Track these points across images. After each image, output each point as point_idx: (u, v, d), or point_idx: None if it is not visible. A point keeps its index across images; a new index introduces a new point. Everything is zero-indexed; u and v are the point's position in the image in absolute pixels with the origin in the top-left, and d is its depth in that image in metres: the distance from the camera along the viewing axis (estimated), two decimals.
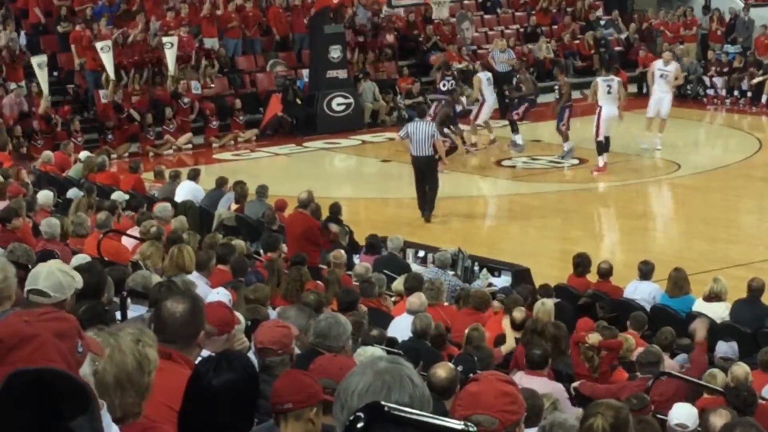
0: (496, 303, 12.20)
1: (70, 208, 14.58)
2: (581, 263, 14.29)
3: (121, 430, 3.50)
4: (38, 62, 26.25)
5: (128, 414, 3.69)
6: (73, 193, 16.28)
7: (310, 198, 15.14)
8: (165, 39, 27.56)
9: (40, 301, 5.43)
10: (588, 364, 9.79)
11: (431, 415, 2.71)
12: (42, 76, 26.18)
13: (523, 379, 8.66)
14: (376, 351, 7.83)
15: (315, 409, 4.79)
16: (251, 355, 6.07)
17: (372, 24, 32.15)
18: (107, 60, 26.54)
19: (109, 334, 3.81)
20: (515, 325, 11.37)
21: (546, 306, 11.58)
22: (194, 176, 18.82)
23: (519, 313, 11.50)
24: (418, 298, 10.88)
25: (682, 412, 7.85)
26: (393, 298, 12.71)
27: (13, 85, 26.21)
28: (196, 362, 4.77)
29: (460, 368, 7.66)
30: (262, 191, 17.58)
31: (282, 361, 5.84)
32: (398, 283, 12.79)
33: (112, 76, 26.57)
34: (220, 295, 7.81)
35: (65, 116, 25.99)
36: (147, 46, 28.34)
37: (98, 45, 26.66)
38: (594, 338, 10.29)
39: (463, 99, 29.38)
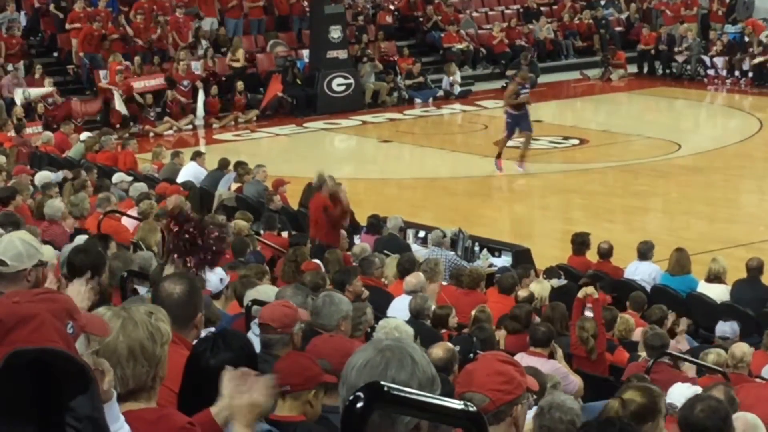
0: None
1: (64, 188, 14.52)
2: (581, 242, 14.30)
3: (136, 415, 3.50)
4: None
5: (141, 387, 3.68)
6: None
7: (321, 179, 14.75)
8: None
9: None
10: (583, 346, 9.80)
11: (432, 395, 2.70)
12: None
13: (524, 359, 8.67)
14: (399, 322, 7.74)
15: (314, 392, 4.78)
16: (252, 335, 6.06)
17: (372, 2, 32.07)
18: (119, 102, 26.23)
19: (121, 308, 3.83)
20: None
21: (543, 285, 11.57)
22: (196, 157, 18.79)
23: (523, 293, 11.48)
24: (415, 278, 10.83)
25: (682, 393, 7.84)
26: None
27: (10, 66, 26.18)
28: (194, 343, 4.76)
29: (458, 348, 7.70)
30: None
31: (281, 340, 5.80)
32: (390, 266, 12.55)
33: (124, 112, 26.27)
34: (218, 274, 7.77)
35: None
36: (149, 27, 28.27)
37: (115, 90, 26.29)
38: (590, 290, 10.26)
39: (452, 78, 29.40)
